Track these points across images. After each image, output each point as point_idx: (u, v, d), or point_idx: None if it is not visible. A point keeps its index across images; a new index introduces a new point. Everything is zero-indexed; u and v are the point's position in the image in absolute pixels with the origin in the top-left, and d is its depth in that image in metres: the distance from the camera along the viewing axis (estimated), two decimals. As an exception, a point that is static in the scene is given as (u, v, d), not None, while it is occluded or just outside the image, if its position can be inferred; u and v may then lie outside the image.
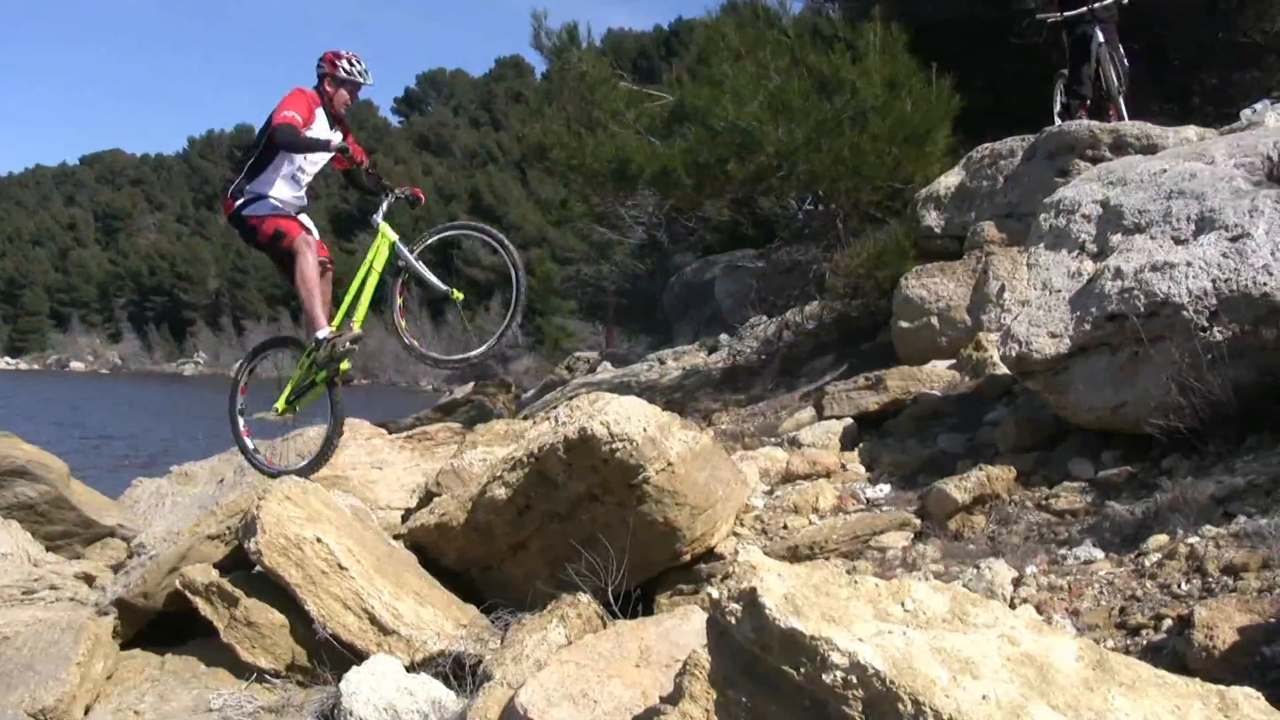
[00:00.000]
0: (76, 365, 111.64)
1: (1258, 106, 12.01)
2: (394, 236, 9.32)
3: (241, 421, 9.82)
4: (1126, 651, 5.01)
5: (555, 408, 11.30)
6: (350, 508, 8.53)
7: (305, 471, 9.19)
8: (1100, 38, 14.14)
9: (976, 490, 7.62)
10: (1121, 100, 14.26)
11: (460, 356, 9.92)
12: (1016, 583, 6.23)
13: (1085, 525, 6.85)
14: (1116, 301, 7.37)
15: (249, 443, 9.85)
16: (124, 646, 8.09)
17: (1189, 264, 7.25)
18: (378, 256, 9.37)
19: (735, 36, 15.24)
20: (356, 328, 9.31)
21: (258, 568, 7.54)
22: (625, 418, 7.37)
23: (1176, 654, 4.80)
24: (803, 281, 16.52)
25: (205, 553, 8.28)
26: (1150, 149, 10.67)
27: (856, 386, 10.54)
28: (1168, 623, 5.18)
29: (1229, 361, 6.94)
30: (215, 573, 7.89)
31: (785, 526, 8.21)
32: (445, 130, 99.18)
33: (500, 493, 7.73)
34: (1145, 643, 5.11)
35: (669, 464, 7.27)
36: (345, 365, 9.31)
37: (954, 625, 3.65)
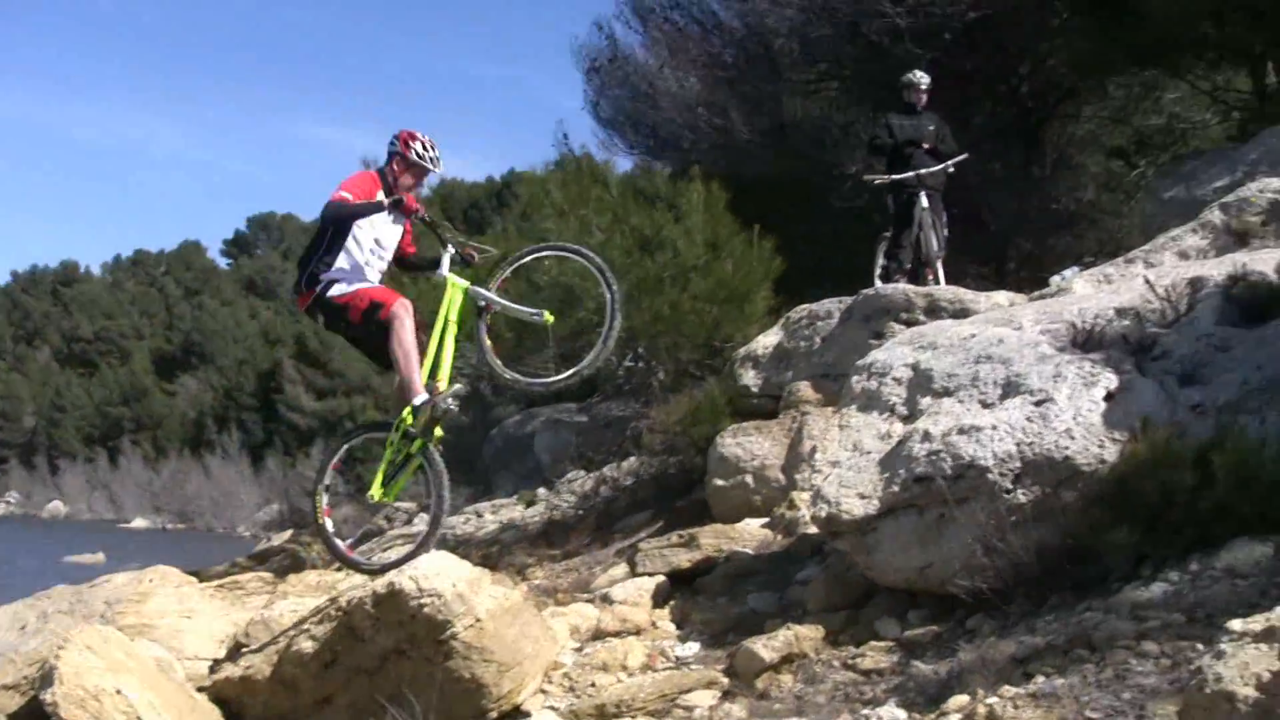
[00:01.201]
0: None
1: (1066, 273, 12.36)
2: (465, 283, 9.09)
3: (325, 499, 9.40)
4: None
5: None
6: (155, 658, 8.32)
7: (412, 555, 8.78)
8: (924, 203, 14.48)
9: (784, 649, 7.63)
10: (940, 265, 14.59)
11: (566, 375, 9.42)
12: (820, 743, 6.23)
13: (890, 685, 6.87)
14: (924, 463, 7.48)
15: (359, 559, 9.68)
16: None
17: (995, 427, 7.39)
18: (451, 308, 9.08)
19: (559, 193, 15.37)
20: (445, 385, 8.99)
21: (54, 720, 7.30)
22: (435, 573, 7.35)
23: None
24: (621, 437, 16.56)
25: (1, 703, 8.01)
26: (963, 313, 10.91)
27: (670, 544, 10.53)
28: (964, 782, 5.21)
29: (1032, 523, 7.07)
30: (9, 725, 7.65)
31: (594, 684, 8.14)
32: (273, 274, 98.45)
33: (306, 646, 7.62)
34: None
35: (478, 620, 7.24)
36: (439, 432, 9.05)
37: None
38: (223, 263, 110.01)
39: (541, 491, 18.26)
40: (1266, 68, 19.51)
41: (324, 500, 9.34)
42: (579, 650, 8.91)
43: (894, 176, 14.46)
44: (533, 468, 22.04)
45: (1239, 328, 8.51)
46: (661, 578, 10.06)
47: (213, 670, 8.96)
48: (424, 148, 9.20)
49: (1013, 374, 7.84)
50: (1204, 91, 22.39)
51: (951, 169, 14.64)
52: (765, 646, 7.64)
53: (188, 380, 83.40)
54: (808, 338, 13.15)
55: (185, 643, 9.82)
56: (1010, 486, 7.19)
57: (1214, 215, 12.17)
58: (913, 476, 7.50)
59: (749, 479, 11.53)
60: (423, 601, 7.18)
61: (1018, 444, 7.24)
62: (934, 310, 11.53)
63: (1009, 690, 5.79)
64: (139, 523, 67.08)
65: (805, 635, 7.74)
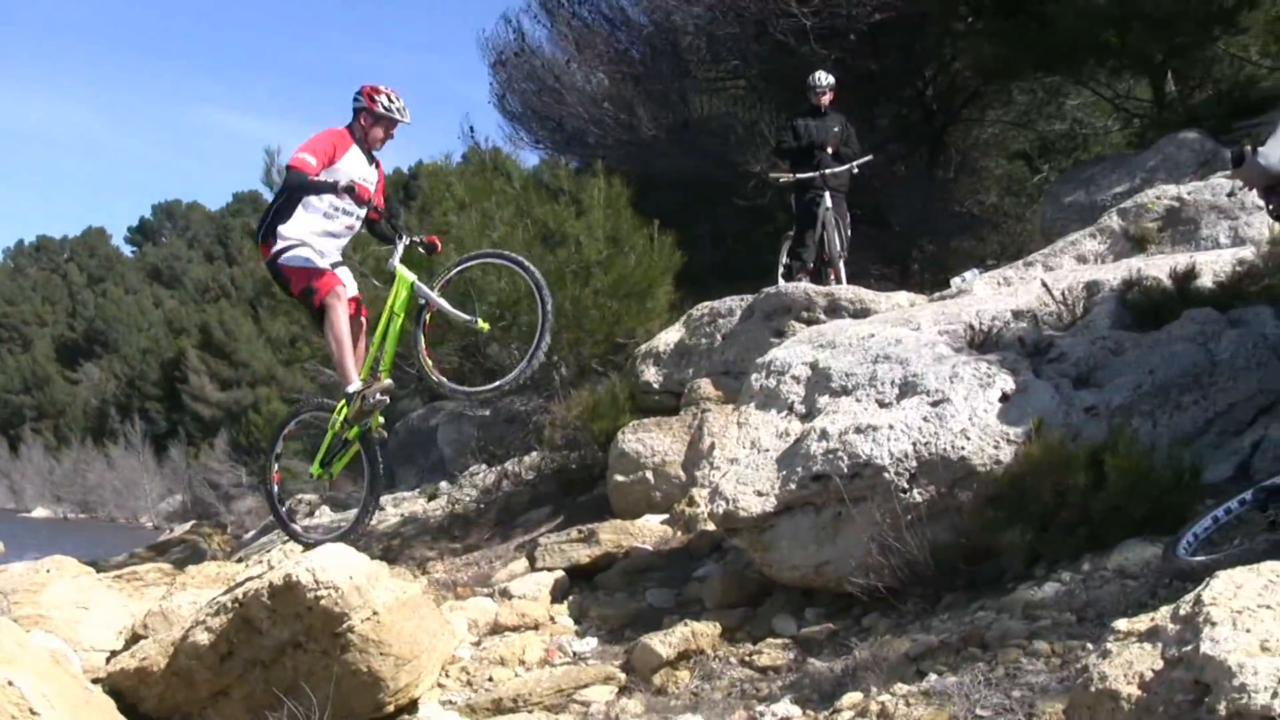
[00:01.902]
0: None
1: (967, 275, 12.44)
2: (412, 277, 9.03)
3: (275, 466, 9.71)
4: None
5: (269, 551, 11.08)
6: (50, 650, 8.19)
7: (344, 536, 8.98)
8: (828, 203, 14.54)
9: (681, 645, 7.65)
10: (842, 264, 14.66)
11: (489, 386, 9.54)
12: (714, 739, 6.24)
13: (786, 682, 6.91)
14: (821, 462, 7.51)
15: (297, 527, 9.85)
16: None
17: (891, 427, 7.45)
18: (397, 301, 9.07)
19: (460, 186, 15.31)
20: (384, 378, 9.04)
21: (-60, 713, 7.18)
22: (332, 565, 7.28)
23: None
24: (523, 432, 16.53)
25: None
26: (863, 313, 10.98)
27: (570, 539, 10.53)
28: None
29: (927, 522, 7.14)
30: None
31: (490, 679, 8.13)
32: (178, 263, 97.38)
33: (203, 638, 7.53)
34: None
35: (375, 613, 7.19)
36: (377, 420, 9.08)
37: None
38: (127, 250, 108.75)
39: (444, 485, 18.20)
40: (1166, 77, 19.75)
41: (275, 466, 9.63)
42: (477, 644, 8.88)
43: (798, 176, 14.51)
44: (436, 461, 21.98)
45: (1133, 332, 8.64)
46: (561, 573, 10.06)
47: (109, 661, 8.86)
48: (389, 99, 9.18)
49: (910, 374, 7.91)
50: (1106, 98, 22.65)
51: (855, 170, 14.71)
52: (663, 643, 7.66)
53: (90, 369, 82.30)
54: (709, 335, 13.18)
55: (82, 634, 9.69)
56: (906, 486, 7.25)
57: (1112, 220, 12.31)
58: (810, 475, 7.54)
59: (649, 475, 11.55)
60: (320, 594, 7.12)
61: (914, 444, 7.30)
62: (835, 309, 11.60)
63: (902, 688, 5.83)
64: (40, 512, 66.18)
65: (702, 632, 7.77)
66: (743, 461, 8.15)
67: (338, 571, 7.23)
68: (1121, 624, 4.50)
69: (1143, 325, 8.75)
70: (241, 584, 7.76)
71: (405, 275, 9.04)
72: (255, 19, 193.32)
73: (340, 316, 8.80)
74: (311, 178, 8.78)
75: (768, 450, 8.11)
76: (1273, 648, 3.67)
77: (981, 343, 8.78)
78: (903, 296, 11.86)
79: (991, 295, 9.92)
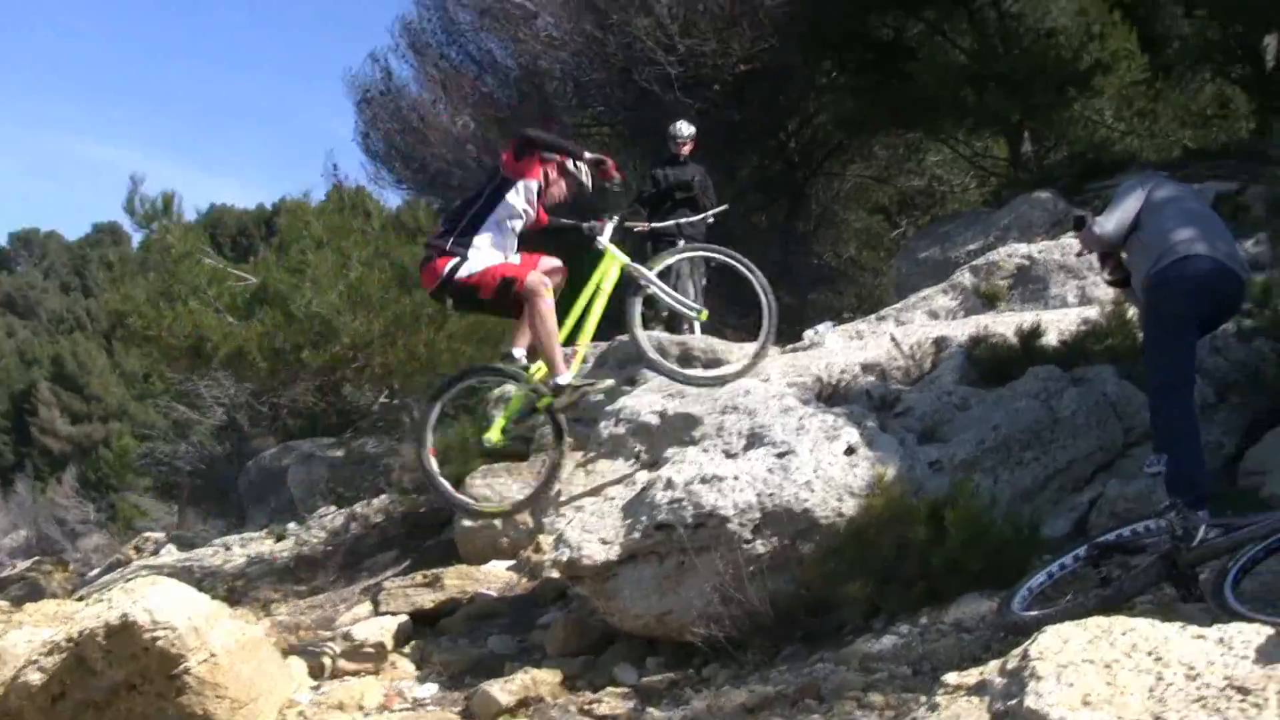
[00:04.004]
0: None
1: (820, 328, 12.49)
2: (625, 259, 9.00)
3: (431, 439, 9.18)
4: None
5: (109, 590, 10.87)
6: None
7: (527, 503, 9.08)
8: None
9: (521, 693, 7.58)
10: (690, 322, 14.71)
11: (714, 374, 9.39)
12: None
13: (625, 731, 6.88)
14: (666, 511, 7.48)
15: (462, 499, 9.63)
16: None
17: (737, 477, 7.43)
18: (605, 278, 9.00)
19: (318, 224, 15.21)
20: (585, 347, 9.11)
21: None
22: (170, 605, 7.14)
23: None
24: (373, 474, 16.42)
25: None
26: (715, 363, 11.01)
27: (414, 583, 10.44)
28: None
29: (769, 573, 7.14)
30: None
31: (328, 724, 8.02)
32: (33, 292, 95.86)
33: (34, 678, 7.34)
34: None
35: (212, 655, 7.08)
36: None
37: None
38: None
39: (292, 526, 17.98)
40: (1022, 136, 20.12)
41: (430, 439, 9.15)
42: (316, 689, 8.73)
43: (653, 225, 14.53)
44: (286, 501, 21.72)
45: (979, 388, 8.75)
46: (404, 617, 9.94)
47: (-62, 700, 8.65)
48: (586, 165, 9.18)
49: (757, 425, 7.92)
50: (964, 156, 23.06)
51: (711, 220, 14.77)
52: (502, 689, 7.58)
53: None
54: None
55: (-90, 672, 9.47)
56: (750, 537, 7.23)
57: (964, 277, 12.49)
58: (654, 524, 7.50)
59: (497, 521, 11.48)
60: (156, 635, 6.98)
61: (758, 495, 7.29)
62: (687, 359, 11.60)
63: (738, 738, 5.83)
64: (-119, 547, 64.60)
65: (543, 679, 7.70)
66: (588, 509, 8.12)
67: (175, 612, 7.10)
68: (951, 677, 4.53)
69: (988, 381, 8.87)
70: (77, 622, 7.59)
71: (618, 255, 9.09)
72: (118, 46, 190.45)
73: (548, 304, 8.61)
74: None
75: (614, 498, 8.09)
76: (1094, 703, 3.70)
77: (830, 395, 8.85)
78: (754, 347, 11.92)
79: (842, 348, 10.01)
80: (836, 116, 21.46)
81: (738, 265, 9.30)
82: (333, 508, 17.25)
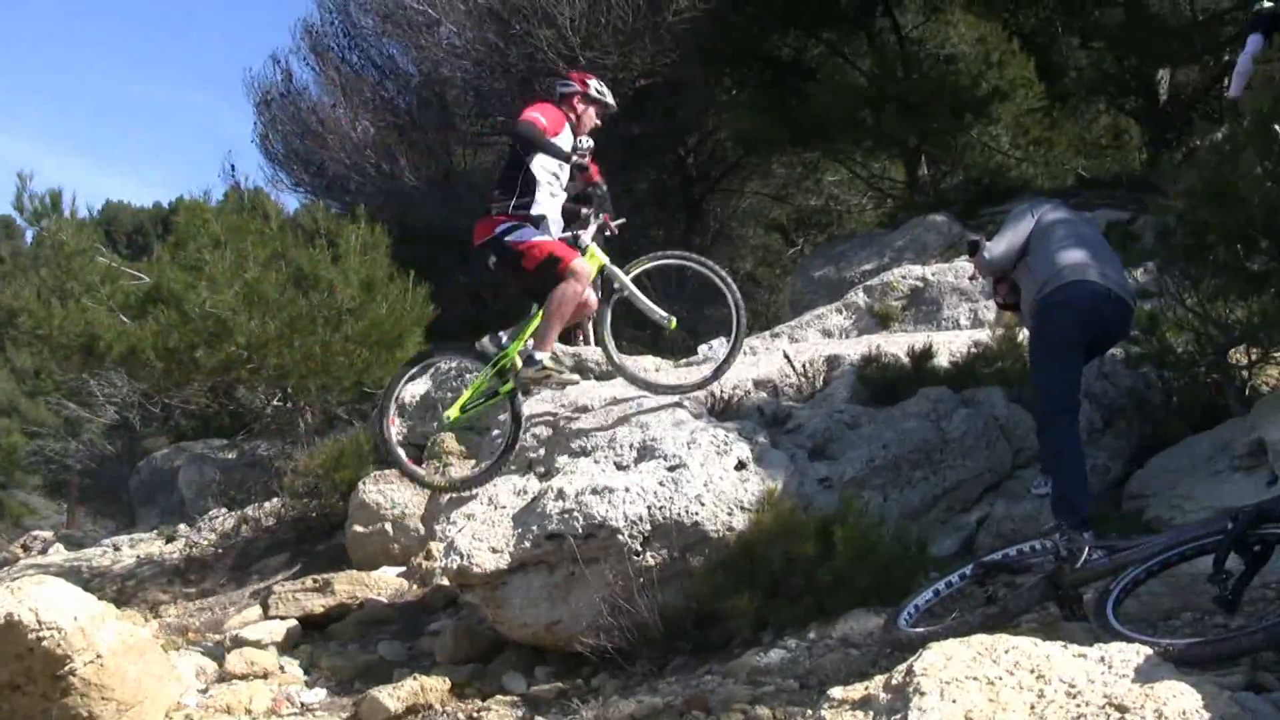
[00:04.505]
0: None
1: (714, 343, 12.56)
2: (604, 259, 8.93)
3: (401, 453, 9.23)
4: None
5: (-8, 588, 10.72)
6: None
7: (480, 480, 8.72)
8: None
9: (410, 699, 7.56)
10: (591, 326, 14.73)
11: (677, 383, 9.21)
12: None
13: (513, 740, 6.90)
14: (557, 521, 7.49)
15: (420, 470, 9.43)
16: None
17: (628, 489, 7.46)
18: None
19: (216, 223, 15.09)
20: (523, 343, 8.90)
21: None
22: (56, 605, 7.05)
23: None
24: (265, 477, 16.31)
25: None
26: (609, 375, 11.04)
27: (304, 588, 10.39)
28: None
29: (658, 585, 7.18)
30: None
31: (215, 727, 7.97)
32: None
33: (-90, 678, 7.25)
34: None
35: (99, 656, 6.98)
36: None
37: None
38: None
39: (182, 527, 17.81)
40: (919, 159, 20.36)
41: (392, 410, 9.24)
42: (204, 692, 8.66)
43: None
44: (176, 503, 21.53)
45: (870, 407, 8.86)
46: (293, 622, 9.90)
47: None
48: (599, 84, 9.28)
49: (649, 438, 7.96)
50: (861, 177, 23.29)
51: (608, 233, 14.79)
52: (390, 696, 7.57)
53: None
54: (455, 389, 13.14)
55: None
56: (640, 549, 7.27)
57: (859, 297, 12.62)
58: (545, 533, 7.52)
59: (388, 527, 11.48)
60: (42, 635, 6.89)
61: (649, 507, 7.32)
62: (581, 370, 11.63)
63: (623, 750, 5.86)
64: None
65: (431, 686, 7.69)
66: (479, 517, 8.10)
67: (62, 612, 7.01)
68: (836, 692, 4.58)
69: (879, 401, 8.99)
70: (-41, 623, 7.50)
71: (598, 254, 9.01)
72: (18, 42, 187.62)
73: (577, 291, 8.69)
74: (547, 138, 8.74)
75: (504, 507, 8.08)
76: (977, 718, 3.77)
77: (722, 410, 8.92)
78: (649, 361, 11.96)
79: (736, 364, 10.07)
80: (736, 133, 21.62)
81: (710, 274, 9.33)
82: (224, 510, 17.12)
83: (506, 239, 8.79)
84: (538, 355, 8.67)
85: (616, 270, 8.96)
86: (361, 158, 22.78)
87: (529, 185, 8.85)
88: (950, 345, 9.92)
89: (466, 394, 9.15)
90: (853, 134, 19.32)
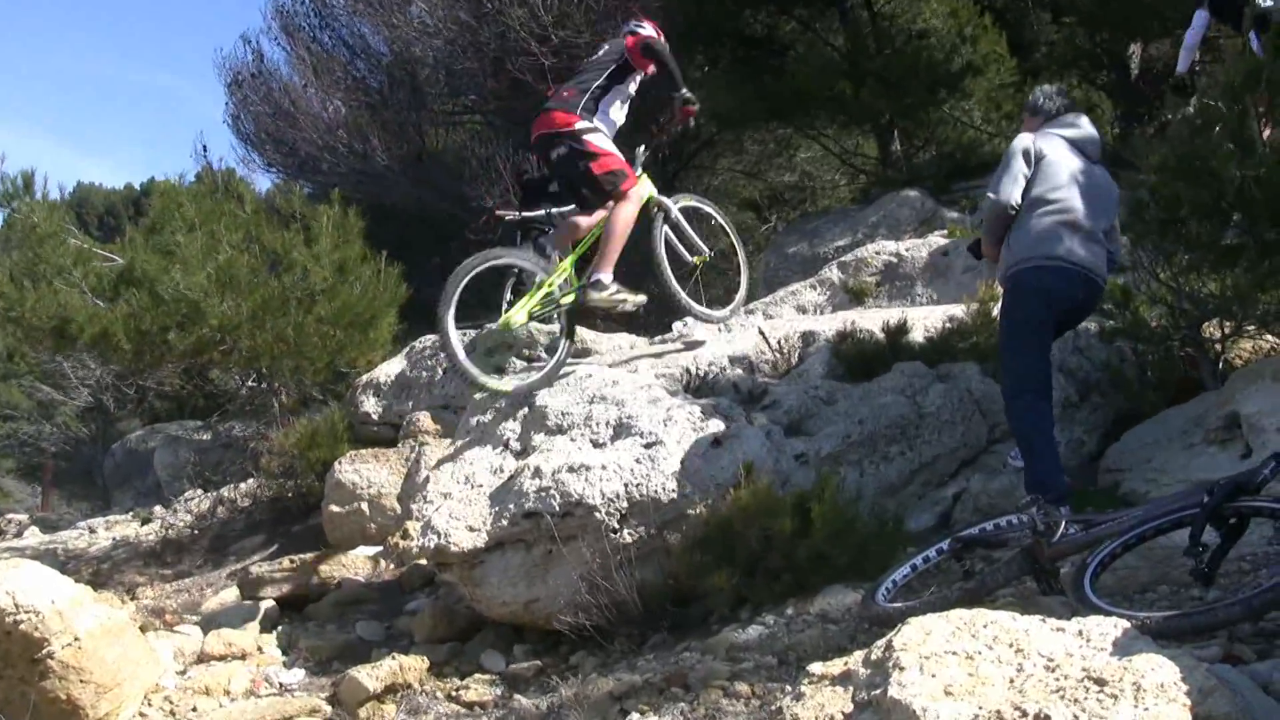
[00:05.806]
0: None
1: (689, 320, 12.56)
2: (652, 188, 9.25)
3: (470, 362, 9.04)
4: None
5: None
6: None
7: (531, 387, 8.80)
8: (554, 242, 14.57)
9: (389, 679, 7.56)
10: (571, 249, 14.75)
11: (721, 315, 10.10)
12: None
13: (493, 718, 6.88)
14: (534, 499, 7.49)
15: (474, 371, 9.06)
16: None
17: (604, 467, 7.46)
18: None
19: (191, 206, 15.03)
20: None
21: None
22: (34, 588, 7.03)
23: None
24: (241, 458, 16.28)
25: None
26: (584, 353, 11.03)
27: (281, 569, 10.39)
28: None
29: (636, 563, 7.18)
30: None
31: (194, 709, 7.91)
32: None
33: (-113, 663, 7.23)
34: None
35: (76, 639, 6.97)
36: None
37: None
38: None
39: (158, 509, 17.78)
40: (892, 135, 20.37)
41: (452, 310, 9.03)
42: (182, 674, 8.64)
43: (525, 214, 14.51)
44: (152, 484, 21.47)
45: (845, 382, 8.86)
46: (271, 603, 9.90)
47: None
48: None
49: (625, 415, 7.95)
50: (834, 153, 23.26)
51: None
52: (370, 676, 7.56)
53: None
54: (430, 369, 13.16)
55: None
56: (617, 526, 7.27)
57: (832, 273, 12.63)
58: (522, 512, 7.51)
59: (365, 506, 11.46)
60: (19, 618, 6.87)
61: (625, 484, 7.32)
62: (556, 348, 11.63)
63: (603, 726, 5.86)
64: None
65: (410, 666, 7.68)
66: (456, 496, 8.09)
67: (39, 595, 6.99)
68: (816, 667, 4.59)
69: (855, 376, 8.99)
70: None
71: (646, 181, 9.23)
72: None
73: (634, 214, 8.94)
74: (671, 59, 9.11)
75: (481, 486, 8.06)
76: (956, 693, 3.77)
77: (698, 387, 8.92)
78: (624, 339, 11.96)
79: (711, 341, 10.06)
80: (710, 110, 21.58)
81: (724, 222, 10.18)
82: (199, 491, 17.09)
83: (585, 136, 8.95)
84: (604, 279, 8.86)
85: (668, 201, 9.37)
86: (333, 138, 22.74)
87: (615, 99, 9.22)
88: (925, 321, 9.92)
89: (531, 297, 9.14)
90: (829, 108, 19.29)
